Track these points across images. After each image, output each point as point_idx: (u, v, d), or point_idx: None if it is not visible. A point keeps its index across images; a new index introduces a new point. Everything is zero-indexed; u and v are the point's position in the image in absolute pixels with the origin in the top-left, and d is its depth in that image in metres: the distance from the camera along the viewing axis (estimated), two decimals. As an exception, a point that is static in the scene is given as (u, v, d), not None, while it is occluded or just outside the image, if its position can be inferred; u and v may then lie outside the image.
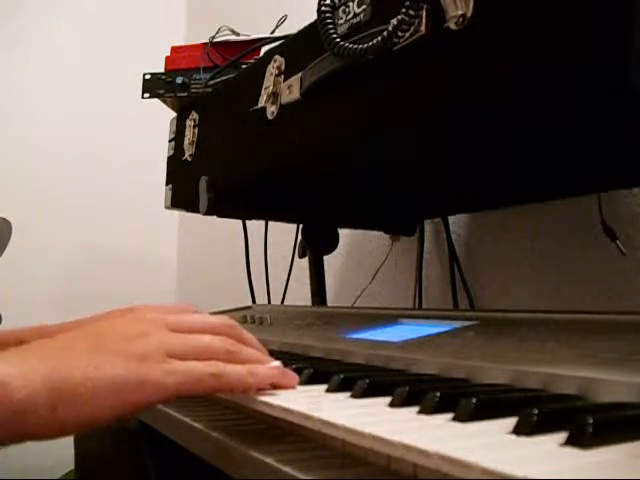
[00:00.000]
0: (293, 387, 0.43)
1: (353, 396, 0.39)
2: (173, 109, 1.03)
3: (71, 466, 0.95)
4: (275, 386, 0.42)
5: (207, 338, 0.42)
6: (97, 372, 0.35)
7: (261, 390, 0.42)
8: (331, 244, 1.09)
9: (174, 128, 1.02)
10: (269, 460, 0.33)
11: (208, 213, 0.86)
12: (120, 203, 2.08)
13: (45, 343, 0.38)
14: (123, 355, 0.37)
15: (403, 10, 0.47)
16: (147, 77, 0.99)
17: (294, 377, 0.43)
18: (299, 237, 1.11)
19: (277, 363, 0.43)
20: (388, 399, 0.36)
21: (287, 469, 0.31)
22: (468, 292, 0.98)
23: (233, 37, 1.00)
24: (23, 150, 1.98)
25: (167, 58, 1.01)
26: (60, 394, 0.34)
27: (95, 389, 0.35)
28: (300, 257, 1.12)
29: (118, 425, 0.73)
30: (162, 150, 1.05)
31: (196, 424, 0.44)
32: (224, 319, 0.45)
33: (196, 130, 0.93)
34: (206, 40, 0.99)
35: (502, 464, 0.22)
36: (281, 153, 0.71)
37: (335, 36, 0.54)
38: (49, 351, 0.37)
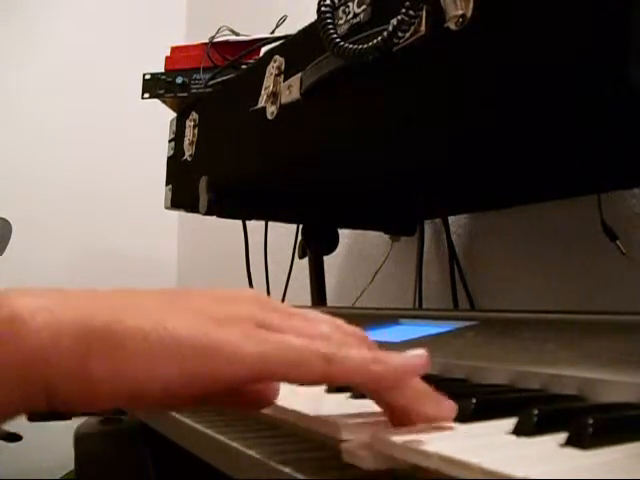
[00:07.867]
0: (449, 420, 0.29)
1: (353, 396, 0.38)
2: (173, 109, 1.03)
3: (71, 467, 0.95)
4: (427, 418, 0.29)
5: (322, 326, 0.30)
6: (154, 325, 0.25)
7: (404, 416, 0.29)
8: (331, 244, 1.09)
9: (174, 128, 1.02)
10: (269, 460, 0.33)
11: (208, 213, 0.86)
12: (120, 203, 2.08)
13: (94, 291, 0.28)
14: (201, 313, 0.27)
15: (403, 10, 0.47)
16: (147, 77, 0.99)
17: (452, 406, 0.29)
18: (299, 237, 1.11)
19: (421, 351, 0.30)
20: (388, 399, 0.36)
21: (287, 469, 0.31)
22: (468, 292, 0.98)
23: (233, 37, 1.00)
24: (23, 150, 1.98)
25: (167, 58, 1.01)
26: (94, 341, 0.25)
27: (145, 345, 0.25)
28: (300, 257, 1.12)
29: (118, 425, 0.73)
30: (162, 150, 1.05)
31: (196, 424, 0.44)
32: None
33: (196, 130, 0.93)
34: (206, 40, 0.99)
35: (502, 464, 0.22)
36: (281, 153, 0.71)
37: (335, 36, 0.54)
38: (97, 295, 0.27)
